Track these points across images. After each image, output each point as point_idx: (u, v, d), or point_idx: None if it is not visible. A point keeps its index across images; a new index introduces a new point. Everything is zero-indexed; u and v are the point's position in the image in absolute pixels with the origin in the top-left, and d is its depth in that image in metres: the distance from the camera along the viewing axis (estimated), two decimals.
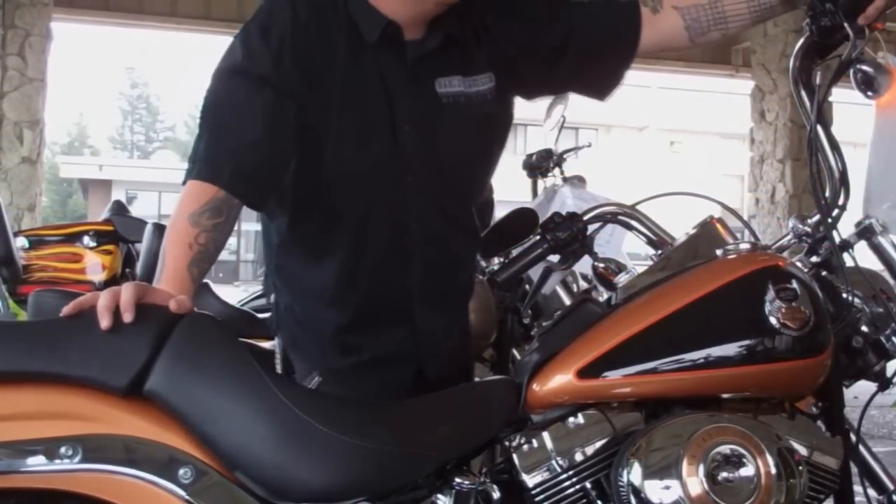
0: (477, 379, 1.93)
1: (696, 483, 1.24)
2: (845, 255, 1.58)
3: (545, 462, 1.31)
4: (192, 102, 40.32)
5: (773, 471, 1.26)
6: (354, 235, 1.62)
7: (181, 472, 1.19)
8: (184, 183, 1.48)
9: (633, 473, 1.27)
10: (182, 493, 1.19)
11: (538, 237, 1.74)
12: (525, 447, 1.33)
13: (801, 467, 1.30)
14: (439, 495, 1.29)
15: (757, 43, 8.70)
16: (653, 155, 26.88)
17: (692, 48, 1.76)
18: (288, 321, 1.74)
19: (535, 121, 3.56)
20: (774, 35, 8.35)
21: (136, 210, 5.14)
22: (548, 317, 2.40)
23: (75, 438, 1.17)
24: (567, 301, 2.56)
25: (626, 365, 1.35)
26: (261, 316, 3.08)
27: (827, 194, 1.58)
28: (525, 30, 1.67)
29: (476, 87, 1.64)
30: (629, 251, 2.71)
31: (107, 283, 3.98)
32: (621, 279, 1.58)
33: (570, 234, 1.72)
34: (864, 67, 1.54)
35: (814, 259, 1.60)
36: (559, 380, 1.35)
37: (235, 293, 5.69)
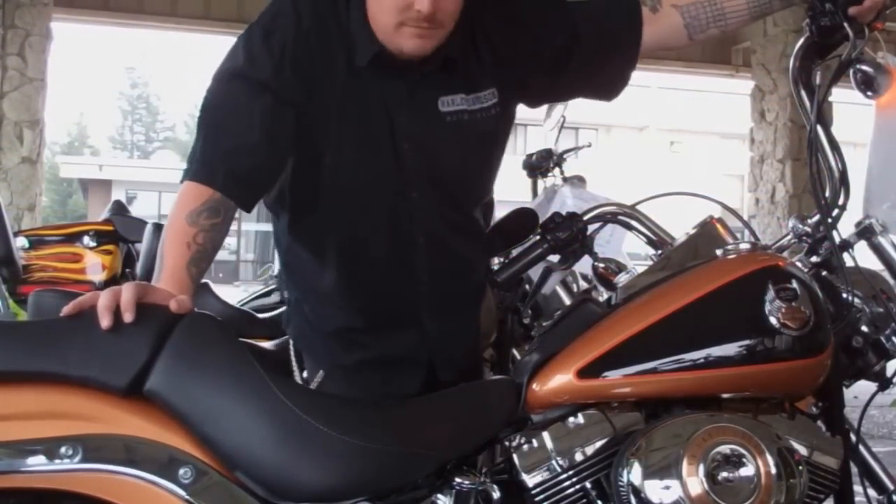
0: None
1: (696, 483, 1.24)
2: (845, 255, 1.58)
3: (545, 462, 1.31)
4: (192, 102, 40.32)
5: (773, 471, 1.26)
6: (353, 245, 1.62)
7: (181, 471, 1.19)
8: (181, 182, 1.49)
9: (634, 473, 1.27)
10: (182, 492, 1.19)
11: (538, 237, 1.74)
12: (525, 447, 1.33)
13: (801, 467, 1.30)
14: (439, 495, 1.30)
15: (757, 43, 8.69)
16: (653, 155, 26.87)
17: (691, 45, 1.75)
18: (297, 317, 1.75)
19: (535, 121, 3.56)
20: (774, 35, 8.35)
21: (136, 210, 5.14)
22: (548, 317, 2.40)
23: (75, 438, 1.17)
24: (567, 301, 2.56)
25: (626, 365, 1.35)
26: (261, 316, 3.08)
27: (827, 194, 1.58)
28: (529, 39, 1.66)
29: (480, 104, 1.63)
30: (629, 251, 2.71)
31: (107, 283, 3.98)
32: (621, 279, 1.58)
33: (570, 234, 1.72)
34: (864, 67, 1.54)
35: (814, 259, 1.60)
36: (559, 380, 1.35)
37: (235, 293, 5.69)
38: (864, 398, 1.62)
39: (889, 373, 1.61)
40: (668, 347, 1.36)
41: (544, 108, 3.43)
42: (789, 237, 1.64)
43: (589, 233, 1.76)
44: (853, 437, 1.50)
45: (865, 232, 1.61)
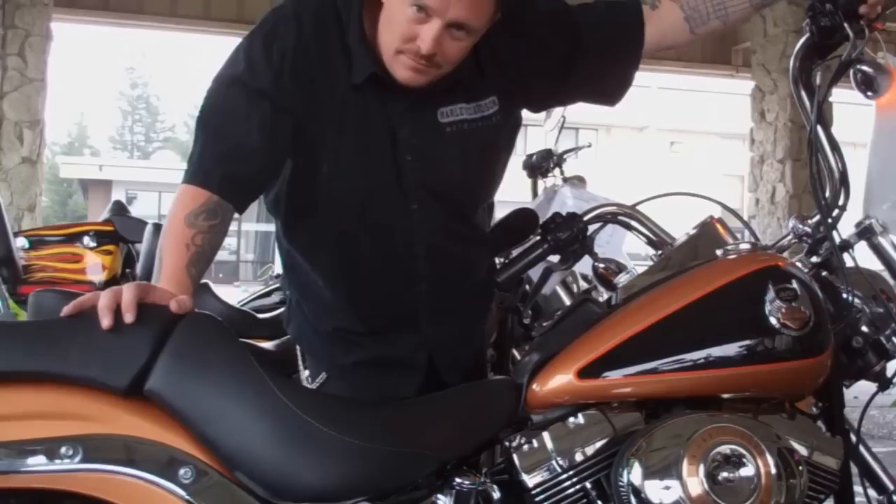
0: None
1: (696, 483, 1.24)
2: (845, 255, 1.58)
3: (545, 462, 1.31)
4: (192, 102, 40.32)
5: (774, 471, 1.26)
6: (350, 254, 1.62)
7: (181, 472, 1.19)
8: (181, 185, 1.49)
9: (634, 473, 1.27)
10: (182, 493, 1.19)
11: (538, 237, 1.74)
12: (525, 447, 1.33)
13: (801, 467, 1.30)
14: (439, 495, 1.30)
15: (757, 43, 8.69)
16: (653, 155, 26.87)
17: (693, 40, 1.74)
18: (297, 317, 1.76)
19: (535, 121, 3.54)
20: (774, 35, 8.35)
21: (136, 210, 5.13)
22: (548, 317, 2.40)
23: (76, 438, 1.17)
24: (567, 301, 2.55)
25: (626, 365, 1.35)
26: (261, 316, 3.08)
27: (827, 194, 1.58)
28: (532, 46, 1.65)
29: (481, 113, 1.62)
30: (629, 251, 2.71)
31: (107, 284, 3.98)
32: (621, 279, 1.57)
33: (571, 235, 1.72)
34: (864, 67, 1.54)
35: (814, 259, 1.60)
36: (559, 380, 1.35)
37: (235, 293, 5.69)
38: (864, 398, 1.62)
39: (889, 373, 1.61)
40: (668, 347, 1.36)
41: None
42: (789, 237, 1.64)
43: (589, 233, 1.76)
44: (853, 438, 1.50)
45: (865, 232, 1.61)
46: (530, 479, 1.31)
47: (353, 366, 1.68)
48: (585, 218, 1.78)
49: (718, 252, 1.50)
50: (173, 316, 1.25)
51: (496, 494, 1.31)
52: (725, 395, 1.38)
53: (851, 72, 1.55)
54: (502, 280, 1.77)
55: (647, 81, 18.64)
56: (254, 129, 1.49)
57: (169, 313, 1.25)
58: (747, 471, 1.26)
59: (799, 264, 1.54)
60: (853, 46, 1.53)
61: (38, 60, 7.14)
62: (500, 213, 1.86)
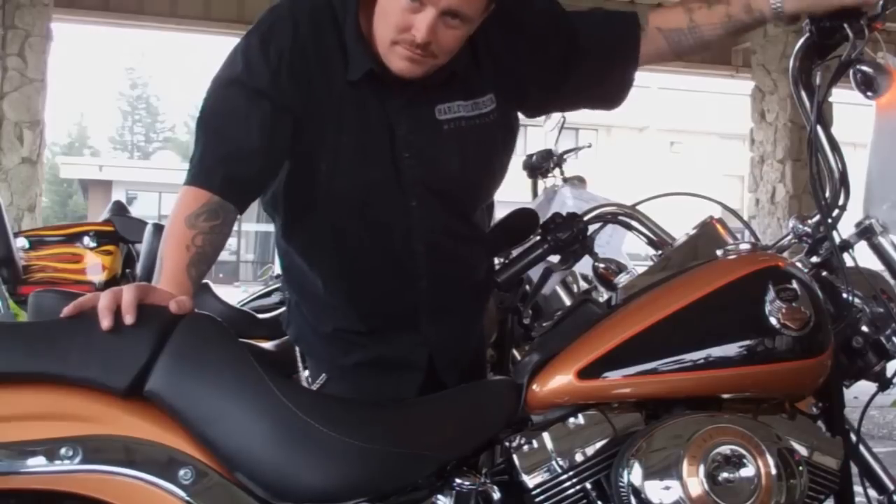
0: None
1: (696, 483, 1.24)
2: (845, 256, 1.58)
3: (545, 462, 1.31)
4: (192, 103, 40.34)
5: (774, 471, 1.26)
6: (349, 252, 1.62)
7: (181, 472, 1.19)
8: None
9: (634, 474, 1.27)
10: (182, 493, 1.19)
11: (538, 238, 1.74)
12: (525, 448, 1.33)
13: (801, 467, 1.30)
14: (440, 496, 1.30)
15: (757, 43, 8.69)
16: (653, 155, 26.87)
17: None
18: (297, 318, 1.76)
19: (535, 121, 3.55)
20: (774, 35, 8.35)
21: (136, 210, 5.13)
22: (548, 317, 2.40)
23: (75, 439, 1.17)
24: (567, 301, 2.56)
25: (626, 365, 1.35)
26: (261, 316, 3.08)
27: (827, 194, 1.58)
28: (530, 47, 1.65)
29: (478, 110, 1.62)
30: (629, 251, 2.71)
31: (107, 284, 3.98)
32: (621, 279, 1.57)
33: (571, 235, 1.72)
34: (864, 68, 1.54)
35: (814, 259, 1.59)
36: (559, 380, 1.35)
37: (236, 293, 5.69)
38: (864, 398, 1.62)
39: (889, 373, 1.61)
40: (668, 348, 1.36)
41: None
42: (789, 237, 1.64)
43: (589, 233, 1.76)
44: (853, 438, 1.50)
45: (865, 232, 1.61)
46: (530, 480, 1.31)
47: (353, 367, 1.68)
48: (585, 218, 1.78)
49: (718, 252, 1.50)
50: (173, 316, 1.25)
51: (496, 495, 1.31)
52: (725, 396, 1.38)
53: (851, 72, 1.55)
54: (502, 280, 1.77)
55: (647, 81, 18.64)
56: (253, 129, 1.49)
57: (169, 314, 1.25)
58: (747, 471, 1.26)
59: (799, 264, 1.54)
60: (853, 46, 1.53)
61: (38, 60, 7.14)
62: (500, 213, 1.86)
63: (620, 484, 1.28)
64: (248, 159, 1.49)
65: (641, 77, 1.77)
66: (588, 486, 1.31)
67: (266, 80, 1.51)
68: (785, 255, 1.61)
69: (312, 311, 1.72)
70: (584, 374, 1.34)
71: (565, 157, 3.56)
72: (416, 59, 1.49)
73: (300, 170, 1.57)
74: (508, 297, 2.15)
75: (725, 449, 1.26)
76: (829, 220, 1.56)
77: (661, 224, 1.80)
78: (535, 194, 3.60)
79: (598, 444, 1.32)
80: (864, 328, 1.57)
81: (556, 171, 3.54)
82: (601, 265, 1.77)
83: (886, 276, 1.62)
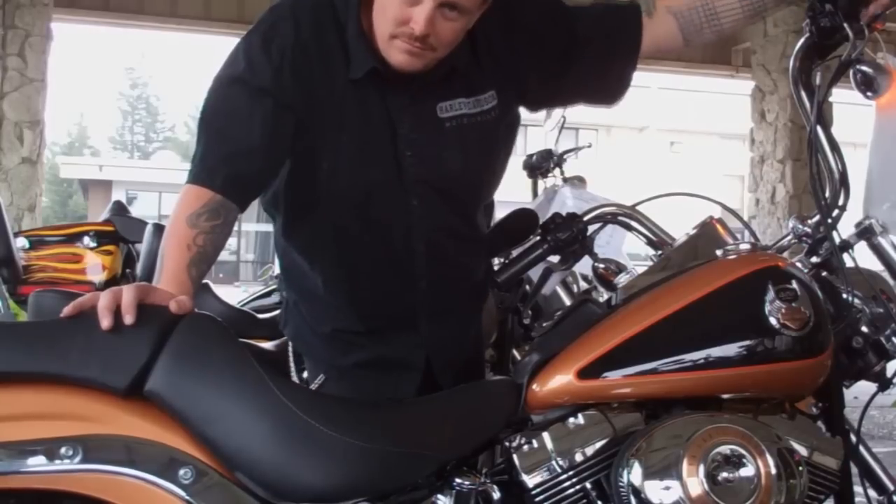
0: None
1: (696, 483, 1.24)
2: (845, 256, 1.58)
3: (545, 462, 1.31)
4: (192, 102, 40.35)
5: (774, 471, 1.26)
6: (349, 251, 1.63)
7: (181, 472, 1.19)
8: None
9: (634, 474, 1.27)
10: (182, 493, 1.19)
11: (538, 238, 1.74)
12: (525, 447, 1.33)
13: (801, 468, 1.30)
14: (439, 495, 1.30)
15: (757, 43, 8.69)
16: (653, 155, 26.87)
17: (687, 48, 1.75)
18: (295, 318, 1.76)
19: (535, 121, 3.55)
20: (774, 35, 8.35)
21: (136, 210, 5.13)
22: (548, 317, 2.40)
23: (76, 439, 1.17)
24: (567, 301, 2.56)
25: (626, 365, 1.35)
26: (261, 316, 3.08)
27: (827, 194, 1.58)
28: (529, 42, 1.65)
29: (480, 107, 1.62)
30: (629, 251, 2.71)
31: (107, 284, 3.98)
32: (621, 279, 1.57)
33: (571, 235, 1.72)
34: (864, 68, 1.54)
35: (814, 259, 1.60)
36: (559, 380, 1.35)
37: (236, 293, 5.69)
38: (864, 398, 1.62)
39: (889, 373, 1.61)
40: (668, 348, 1.36)
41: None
42: (789, 237, 1.64)
43: (589, 233, 1.76)
44: (853, 438, 1.50)
45: (865, 232, 1.61)
46: (530, 480, 1.31)
47: (351, 367, 1.68)
48: (585, 218, 1.78)
49: (718, 252, 1.50)
50: (173, 316, 1.25)
51: (496, 495, 1.31)
52: (725, 396, 1.38)
53: (851, 72, 1.55)
54: (502, 280, 1.77)
55: (647, 81, 18.64)
56: (255, 128, 1.49)
57: (169, 314, 1.25)
58: (747, 471, 1.26)
59: (799, 264, 1.54)
60: (853, 46, 1.53)
61: (38, 60, 7.14)
62: (500, 213, 1.87)
63: (620, 484, 1.28)
64: (250, 158, 1.49)
65: (641, 77, 1.76)
66: (588, 485, 1.31)
67: (268, 79, 1.51)
68: (785, 255, 1.61)
69: (311, 312, 1.72)
70: (583, 373, 1.34)
71: (565, 156, 3.57)
72: (416, 53, 1.49)
73: (301, 168, 1.57)
74: (508, 297, 2.15)
75: (725, 449, 1.26)
76: (829, 220, 1.56)
77: (661, 224, 1.80)
78: (535, 194, 3.60)
79: (598, 444, 1.32)
80: (864, 328, 1.57)
81: (556, 171, 3.54)
82: (601, 265, 1.77)
83: (886, 276, 1.62)
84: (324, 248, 1.64)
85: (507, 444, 1.35)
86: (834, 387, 1.48)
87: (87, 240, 4.06)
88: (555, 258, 1.77)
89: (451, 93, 1.61)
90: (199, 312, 1.30)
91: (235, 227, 1.54)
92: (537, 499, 1.30)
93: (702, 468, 1.25)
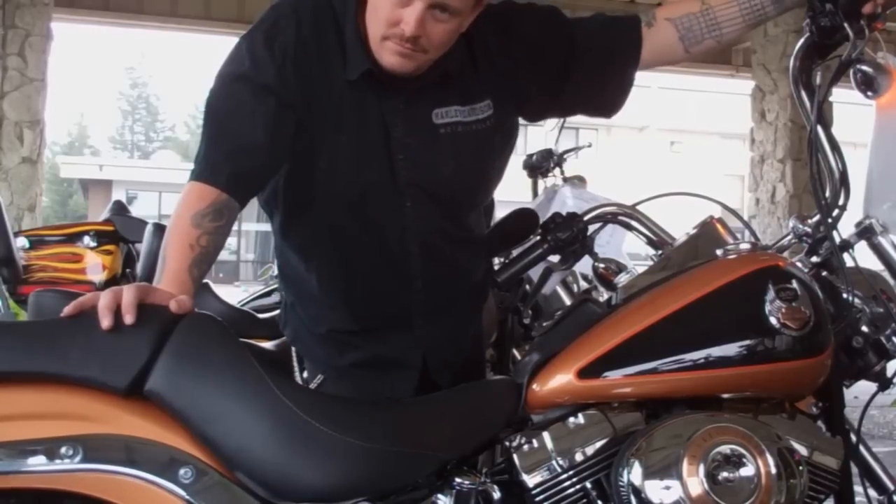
0: None
1: (696, 483, 1.24)
2: (845, 255, 1.58)
3: (545, 462, 1.31)
4: (192, 102, 40.40)
5: (774, 471, 1.25)
6: (344, 250, 1.63)
7: (181, 472, 1.19)
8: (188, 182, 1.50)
9: (634, 473, 1.27)
10: (182, 493, 1.19)
11: (538, 237, 1.74)
12: (525, 447, 1.33)
13: (801, 467, 1.30)
14: (440, 495, 1.30)
15: (757, 43, 8.69)
16: (653, 155, 26.88)
17: (689, 59, 1.74)
18: (293, 319, 1.76)
19: None
20: (774, 35, 8.35)
21: (136, 210, 5.13)
22: (548, 317, 2.40)
23: (76, 438, 1.17)
24: (567, 301, 2.56)
25: (626, 365, 1.35)
26: (261, 316, 3.08)
27: (827, 194, 1.58)
28: (528, 52, 1.65)
29: (475, 116, 1.63)
30: (629, 251, 2.71)
31: (107, 284, 3.98)
32: (621, 279, 1.57)
33: (571, 235, 1.72)
34: (864, 67, 1.54)
35: (814, 259, 1.60)
36: (559, 380, 1.35)
37: (236, 293, 5.69)
38: (864, 398, 1.62)
39: (889, 373, 1.61)
40: (668, 347, 1.36)
41: None
42: (789, 237, 1.64)
43: (589, 233, 1.76)
44: (853, 438, 1.50)
45: (865, 232, 1.61)
46: (530, 479, 1.31)
47: (348, 367, 1.68)
48: (585, 218, 1.78)
49: (718, 252, 1.50)
50: (173, 316, 1.25)
51: (496, 494, 1.31)
52: (725, 395, 1.38)
53: (851, 72, 1.55)
54: (502, 280, 1.77)
55: (647, 81, 18.61)
56: (259, 125, 1.50)
57: (169, 313, 1.25)
58: (747, 471, 1.26)
59: (799, 264, 1.54)
60: (853, 46, 1.52)
61: (38, 60, 7.14)
62: (500, 213, 1.87)
63: (620, 483, 1.28)
64: (252, 155, 1.50)
65: (641, 77, 1.76)
66: (588, 485, 1.31)
67: (272, 76, 1.51)
68: (785, 254, 1.61)
69: (307, 312, 1.72)
70: (584, 373, 1.34)
71: (565, 156, 3.57)
72: (406, 54, 1.50)
73: (299, 167, 1.58)
74: (508, 297, 2.15)
75: (725, 448, 1.26)
76: (829, 220, 1.55)
77: (661, 224, 1.80)
78: (535, 194, 3.61)
79: (598, 444, 1.32)
80: (864, 328, 1.57)
81: (557, 171, 3.54)
82: (601, 265, 1.77)
83: (886, 276, 1.62)
84: (320, 247, 1.64)
85: (507, 443, 1.35)
86: (834, 387, 1.48)
87: (87, 239, 4.06)
88: (555, 258, 1.77)
89: (446, 99, 1.61)
90: (200, 312, 1.30)
91: (235, 227, 1.54)
92: (537, 498, 1.30)
93: (702, 468, 1.25)
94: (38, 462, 1.16)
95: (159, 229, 3.68)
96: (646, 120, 26.42)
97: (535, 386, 1.36)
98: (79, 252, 4.05)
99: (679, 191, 1.79)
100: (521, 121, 1.76)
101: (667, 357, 1.35)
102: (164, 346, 1.21)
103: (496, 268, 1.86)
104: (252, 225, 23.46)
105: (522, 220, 1.79)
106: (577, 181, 3.22)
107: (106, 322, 1.19)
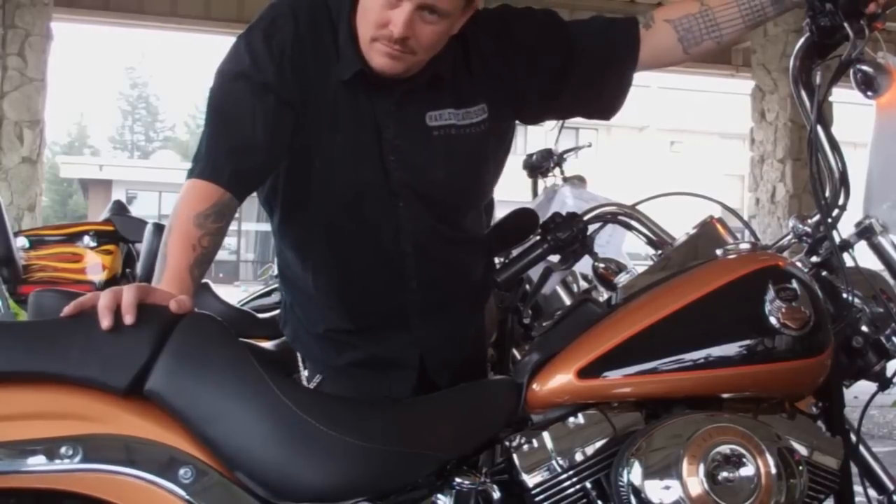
0: None
1: (696, 483, 1.24)
2: (845, 255, 1.58)
3: (545, 462, 1.31)
4: (192, 102, 40.42)
5: (774, 471, 1.26)
6: (340, 250, 1.63)
7: (181, 472, 1.19)
8: (187, 179, 1.50)
9: (634, 473, 1.27)
10: (182, 493, 1.19)
11: (538, 237, 1.74)
12: (525, 447, 1.33)
13: (801, 467, 1.30)
14: (439, 495, 1.30)
15: (757, 43, 8.69)
16: (653, 155, 26.88)
17: (687, 60, 1.73)
18: (292, 319, 1.76)
19: None
20: (774, 35, 8.35)
21: (136, 210, 5.14)
22: (548, 317, 2.40)
23: (76, 438, 1.17)
24: (567, 301, 2.56)
25: (626, 365, 1.35)
26: (261, 316, 3.08)
27: (827, 194, 1.58)
28: (524, 56, 1.65)
29: (469, 119, 1.62)
30: (629, 251, 2.71)
31: (107, 283, 3.98)
32: (621, 279, 1.57)
33: (571, 235, 1.72)
34: (864, 67, 1.54)
35: (814, 259, 1.60)
36: (559, 380, 1.35)
37: (235, 293, 5.70)
38: (864, 398, 1.62)
39: (889, 373, 1.61)
40: (668, 347, 1.36)
41: None
42: (789, 237, 1.64)
43: (589, 233, 1.76)
44: (853, 437, 1.50)
45: (865, 232, 1.61)
46: (530, 479, 1.31)
47: (346, 367, 1.68)
48: (585, 218, 1.78)
49: (718, 252, 1.50)
50: (173, 316, 1.25)
51: (496, 494, 1.31)
52: (725, 395, 1.38)
53: (851, 71, 1.55)
54: (502, 280, 1.77)
55: (647, 81, 18.63)
56: (259, 123, 1.50)
57: (169, 313, 1.25)
58: (747, 471, 1.26)
59: (799, 264, 1.54)
60: (853, 46, 1.52)
61: (38, 60, 7.14)
62: (500, 213, 1.87)
63: (620, 483, 1.28)
64: (253, 153, 1.50)
65: (641, 77, 1.76)
66: (588, 485, 1.31)
67: (271, 74, 1.52)
68: (785, 254, 1.61)
69: (304, 312, 1.73)
70: (584, 373, 1.34)
71: (565, 156, 3.57)
72: (395, 55, 1.50)
73: (296, 166, 1.58)
74: (508, 296, 2.15)
75: (725, 448, 1.26)
76: (829, 220, 1.55)
77: (661, 224, 1.80)
78: (535, 194, 3.61)
79: (598, 444, 1.32)
80: (864, 328, 1.57)
81: (556, 171, 3.54)
82: (601, 265, 1.77)
83: (886, 276, 1.62)
84: (316, 247, 1.65)
85: (507, 443, 1.35)
86: (834, 386, 1.48)
87: (87, 239, 4.06)
88: (555, 258, 1.77)
89: (439, 102, 1.61)
90: (199, 312, 1.30)
91: (235, 227, 1.55)
92: (537, 498, 1.31)
93: (702, 468, 1.25)
94: (38, 462, 1.16)
95: (159, 229, 3.68)
96: (646, 120, 26.42)
97: (535, 386, 1.36)
98: (79, 252, 4.05)
99: (679, 191, 1.79)
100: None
101: (667, 357, 1.35)
102: (164, 346, 1.21)
103: (496, 268, 1.85)
104: (252, 225, 23.46)
105: (522, 219, 1.79)
106: (577, 181, 3.21)
107: (106, 322, 1.19)
